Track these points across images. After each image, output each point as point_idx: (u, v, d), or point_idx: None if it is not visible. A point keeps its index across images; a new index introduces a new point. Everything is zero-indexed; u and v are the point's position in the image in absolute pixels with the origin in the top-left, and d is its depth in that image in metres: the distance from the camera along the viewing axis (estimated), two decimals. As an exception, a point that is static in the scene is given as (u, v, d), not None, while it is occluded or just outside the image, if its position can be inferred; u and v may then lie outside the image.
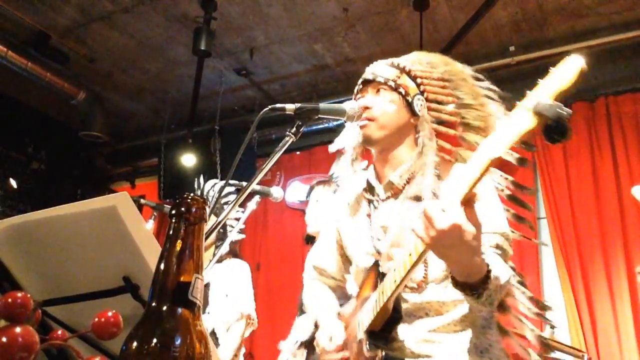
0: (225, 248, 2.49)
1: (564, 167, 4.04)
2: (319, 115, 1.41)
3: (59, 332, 0.72)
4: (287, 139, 1.38)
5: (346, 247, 1.62)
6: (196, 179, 2.95)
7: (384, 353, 1.29)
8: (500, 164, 1.17)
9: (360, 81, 1.59)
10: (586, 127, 4.06)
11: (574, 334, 3.68)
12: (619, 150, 3.92)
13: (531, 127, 0.98)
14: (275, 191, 2.08)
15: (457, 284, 1.16)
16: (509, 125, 1.02)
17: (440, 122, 1.50)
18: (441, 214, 1.03)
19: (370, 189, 1.57)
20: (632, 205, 3.77)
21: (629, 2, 3.72)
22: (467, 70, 1.54)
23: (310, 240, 2.64)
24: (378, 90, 1.51)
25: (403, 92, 1.49)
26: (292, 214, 4.88)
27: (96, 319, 0.66)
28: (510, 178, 1.44)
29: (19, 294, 0.60)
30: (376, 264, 1.44)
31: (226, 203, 2.70)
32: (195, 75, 4.41)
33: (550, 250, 3.98)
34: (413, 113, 1.50)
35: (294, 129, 1.38)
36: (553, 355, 3.18)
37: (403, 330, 1.37)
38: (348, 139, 1.64)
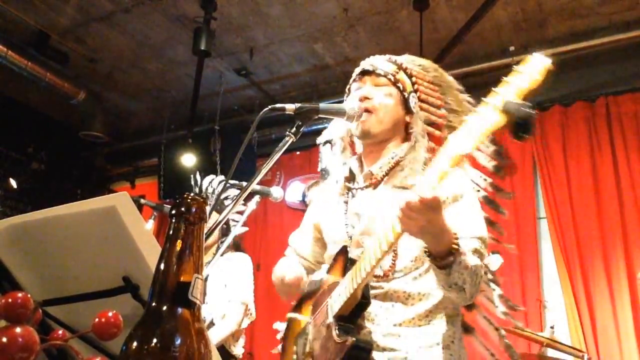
0: (228, 242, 2.48)
1: (564, 167, 4.04)
2: (319, 115, 1.42)
3: (59, 332, 0.72)
4: (287, 139, 1.38)
5: (323, 233, 1.67)
6: (192, 176, 2.93)
7: (354, 339, 1.31)
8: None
9: (358, 71, 1.63)
10: (586, 127, 4.06)
11: (574, 334, 3.68)
12: (619, 150, 3.92)
13: (498, 124, 1.04)
14: (275, 191, 2.08)
15: (430, 255, 1.27)
16: (477, 121, 1.08)
17: (428, 123, 1.55)
18: (424, 191, 1.13)
19: (351, 177, 1.63)
20: (632, 205, 3.77)
21: (629, 2, 3.72)
22: (454, 81, 1.62)
23: None
24: (377, 83, 1.56)
25: (401, 87, 1.55)
26: (292, 214, 4.88)
27: (96, 319, 0.66)
28: (489, 180, 1.51)
29: (19, 294, 0.60)
30: (345, 250, 1.48)
31: (226, 198, 2.69)
32: (195, 75, 4.41)
33: (550, 250, 3.98)
34: (407, 110, 1.55)
35: (294, 129, 1.38)
36: (553, 355, 3.19)
37: (369, 322, 1.42)
38: (336, 131, 1.71)
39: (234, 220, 2.69)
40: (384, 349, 1.39)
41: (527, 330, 3.11)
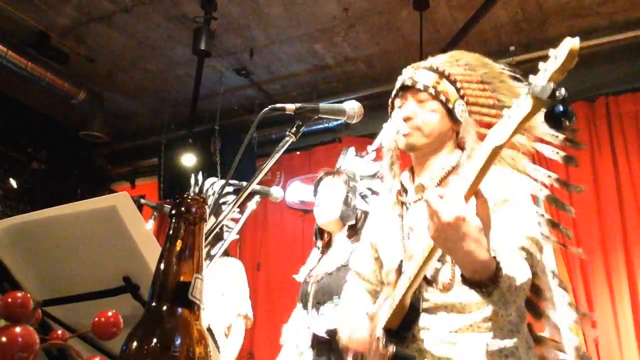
0: (222, 248, 2.49)
1: (563, 167, 4.04)
2: (319, 115, 1.41)
3: (59, 332, 0.72)
4: (287, 139, 1.38)
5: (379, 249, 1.61)
6: (193, 175, 2.93)
7: (394, 349, 1.27)
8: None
9: (398, 86, 1.56)
10: (586, 127, 4.05)
11: (574, 330, 3.67)
12: (619, 150, 3.91)
13: (529, 111, 0.96)
14: (275, 191, 2.08)
15: (465, 280, 1.15)
16: (512, 112, 1.01)
17: (482, 125, 1.49)
18: (445, 206, 1.03)
19: (404, 190, 1.57)
20: (632, 205, 3.77)
21: (629, 2, 3.72)
22: (505, 71, 1.52)
23: (320, 234, 2.60)
24: (419, 99, 1.49)
25: (444, 100, 1.48)
26: (292, 214, 4.88)
27: (96, 319, 0.66)
28: (555, 175, 1.43)
29: (19, 294, 0.60)
30: (400, 264, 1.43)
31: (224, 203, 2.70)
32: (195, 75, 4.41)
33: (550, 250, 3.97)
34: (454, 120, 1.49)
35: (294, 129, 1.38)
36: (553, 355, 3.18)
37: (423, 331, 1.35)
38: (386, 142, 1.63)
39: (227, 227, 2.70)
40: (438, 358, 1.32)
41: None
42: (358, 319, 1.52)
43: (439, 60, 1.55)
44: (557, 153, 1.37)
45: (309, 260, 2.59)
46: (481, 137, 1.46)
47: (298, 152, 5.10)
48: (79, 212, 0.80)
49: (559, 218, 3.94)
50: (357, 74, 4.66)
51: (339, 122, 1.53)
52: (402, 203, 1.55)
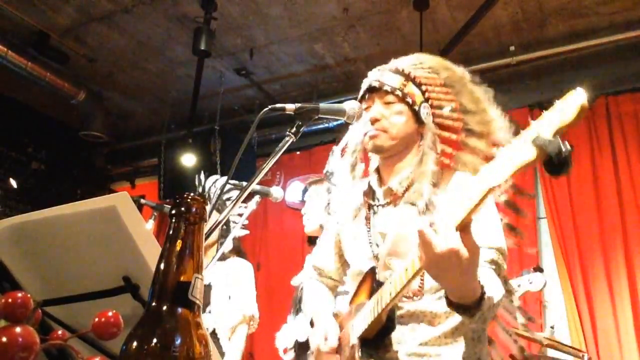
0: (228, 245, 2.48)
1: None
2: (319, 115, 1.41)
3: (59, 332, 0.72)
4: (287, 139, 1.38)
5: (345, 250, 1.62)
6: (197, 176, 2.93)
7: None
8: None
9: (365, 88, 1.57)
10: (586, 127, 4.06)
11: (574, 334, 3.67)
12: (619, 150, 3.91)
13: (531, 160, 0.96)
14: (275, 191, 2.08)
15: (450, 303, 1.17)
16: (510, 154, 1.00)
17: (444, 128, 1.50)
18: (438, 239, 1.04)
19: (371, 193, 1.57)
20: (632, 205, 3.77)
21: (629, 2, 3.72)
22: (466, 75, 1.53)
23: (312, 241, 2.62)
24: (386, 101, 1.50)
25: (410, 102, 1.49)
26: (292, 214, 4.87)
27: (96, 319, 0.66)
28: (510, 182, 1.43)
29: (19, 294, 0.60)
30: (373, 271, 1.44)
31: (228, 199, 2.69)
32: (195, 75, 4.41)
33: (551, 250, 3.98)
34: (419, 121, 1.50)
35: (294, 129, 1.37)
36: (553, 355, 3.19)
37: (395, 342, 1.38)
38: (352, 143, 1.64)
39: (234, 222, 2.68)
40: None
41: (527, 330, 3.11)
42: (329, 321, 1.53)
43: (404, 63, 1.55)
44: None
45: (305, 267, 2.61)
46: (443, 140, 1.49)
47: (298, 152, 5.10)
48: (79, 212, 0.80)
49: (559, 217, 3.95)
50: (357, 74, 4.66)
51: (339, 122, 1.52)
52: (370, 206, 1.55)
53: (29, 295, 0.61)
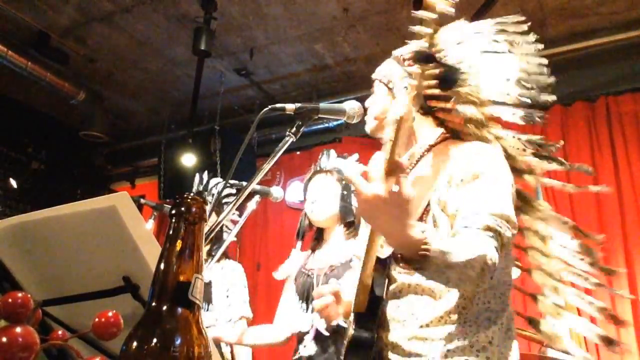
0: (224, 249, 2.48)
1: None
2: (319, 115, 1.42)
3: (59, 332, 0.72)
4: (287, 139, 1.38)
5: None
6: (198, 175, 2.93)
7: (353, 333, 1.29)
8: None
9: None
10: (586, 127, 4.06)
11: (574, 334, 3.67)
12: (619, 150, 3.91)
13: (417, 74, 1.02)
14: (275, 191, 2.08)
15: (396, 258, 1.14)
16: (407, 89, 1.05)
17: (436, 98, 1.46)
18: (363, 185, 1.04)
19: None
20: (632, 205, 3.77)
21: (629, 2, 3.72)
22: (462, 30, 1.54)
23: (302, 234, 2.62)
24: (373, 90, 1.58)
25: (386, 82, 1.55)
26: (292, 214, 4.87)
27: (96, 319, 0.66)
28: (525, 137, 1.39)
29: (19, 294, 0.60)
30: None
31: (226, 203, 2.70)
32: (195, 75, 4.41)
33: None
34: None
35: (294, 129, 1.38)
36: (553, 355, 3.18)
37: (394, 322, 1.34)
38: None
39: (227, 228, 2.69)
40: (409, 354, 1.29)
41: (527, 330, 3.11)
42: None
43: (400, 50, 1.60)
44: (514, 115, 1.36)
45: (292, 259, 2.59)
46: (439, 112, 1.46)
47: (298, 152, 5.10)
48: (79, 212, 0.80)
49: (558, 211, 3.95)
50: (357, 74, 4.66)
51: (339, 122, 1.52)
52: None
53: (29, 295, 0.61)
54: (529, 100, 1.37)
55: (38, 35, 4.39)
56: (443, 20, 0.98)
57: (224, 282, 2.67)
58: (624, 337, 3.55)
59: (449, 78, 1.00)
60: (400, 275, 1.35)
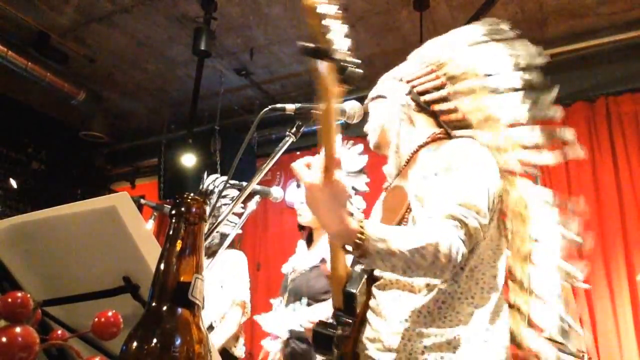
0: (225, 244, 2.48)
1: (564, 167, 4.04)
2: (319, 115, 1.41)
3: (59, 332, 0.72)
4: (287, 139, 1.38)
5: None
6: (201, 178, 2.95)
7: (316, 327, 1.34)
8: None
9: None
10: (586, 127, 4.06)
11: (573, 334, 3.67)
12: (619, 150, 3.91)
13: (325, 70, 1.03)
14: (275, 191, 2.08)
15: (342, 248, 1.20)
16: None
17: (444, 112, 1.50)
18: (306, 173, 1.12)
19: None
20: (632, 205, 3.77)
21: (629, 2, 3.72)
22: (460, 38, 1.55)
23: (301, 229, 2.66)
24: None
25: (384, 95, 1.60)
26: (292, 214, 4.87)
27: (96, 319, 0.66)
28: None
29: (19, 294, 0.60)
30: None
31: (225, 204, 2.69)
32: (195, 75, 4.41)
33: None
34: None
35: (294, 129, 1.38)
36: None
37: (376, 317, 1.36)
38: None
39: (229, 221, 2.69)
40: (389, 349, 1.29)
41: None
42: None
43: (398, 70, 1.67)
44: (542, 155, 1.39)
45: (297, 251, 2.62)
46: (443, 116, 1.49)
47: (298, 152, 5.09)
48: (79, 212, 0.80)
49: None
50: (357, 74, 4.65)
51: (339, 122, 1.52)
52: (385, 189, 1.62)
53: (29, 295, 0.61)
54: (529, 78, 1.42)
55: (38, 35, 4.39)
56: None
57: (218, 274, 2.67)
58: (624, 337, 3.55)
59: (342, 72, 1.06)
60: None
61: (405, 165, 1.49)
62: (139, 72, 4.90)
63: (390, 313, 1.33)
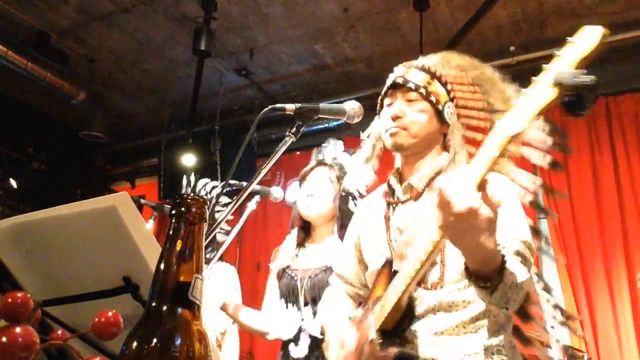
0: (219, 252, 2.46)
1: (564, 167, 4.05)
2: (319, 115, 1.41)
3: (59, 332, 0.72)
4: (287, 139, 1.37)
5: (363, 252, 1.59)
6: (184, 176, 2.88)
7: (397, 349, 1.26)
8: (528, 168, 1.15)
9: (389, 83, 1.54)
10: (586, 127, 4.06)
11: (574, 334, 3.68)
12: (619, 150, 3.92)
13: (551, 99, 0.93)
14: (275, 191, 2.08)
15: (470, 275, 1.14)
16: (527, 101, 0.97)
17: (470, 128, 1.47)
18: (458, 197, 1.00)
19: (391, 192, 1.55)
20: (632, 205, 3.77)
21: (629, 2, 3.72)
22: (496, 74, 1.50)
23: (295, 225, 2.60)
24: (408, 98, 1.48)
25: (434, 101, 1.47)
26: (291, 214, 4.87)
27: (96, 319, 0.66)
28: (539, 181, 1.38)
29: (19, 294, 0.60)
30: (389, 264, 1.41)
31: (219, 211, 2.67)
32: (195, 75, 4.41)
33: (550, 250, 3.99)
34: (442, 121, 1.48)
35: (294, 129, 1.37)
36: (553, 355, 3.18)
37: (412, 332, 1.34)
38: (371, 138, 1.63)
39: (222, 229, 2.66)
40: (424, 359, 1.31)
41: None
42: (344, 326, 1.49)
43: (431, 61, 1.53)
44: (544, 158, 1.36)
45: (283, 248, 2.54)
46: (468, 140, 1.45)
47: (298, 152, 5.09)
48: (79, 212, 0.80)
49: (559, 216, 3.95)
50: (357, 74, 4.66)
51: (339, 122, 1.52)
52: (389, 204, 1.53)
53: (29, 295, 0.61)
54: None
55: (38, 35, 4.39)
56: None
57: (220, 285, 2.64)
58: (624, 337, 3.55)
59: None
60: (422, 293, 1.36)
61: (426, 187, 1.45)
62: (139, 72, 4.90)
63: (424, 329, 1.34)
